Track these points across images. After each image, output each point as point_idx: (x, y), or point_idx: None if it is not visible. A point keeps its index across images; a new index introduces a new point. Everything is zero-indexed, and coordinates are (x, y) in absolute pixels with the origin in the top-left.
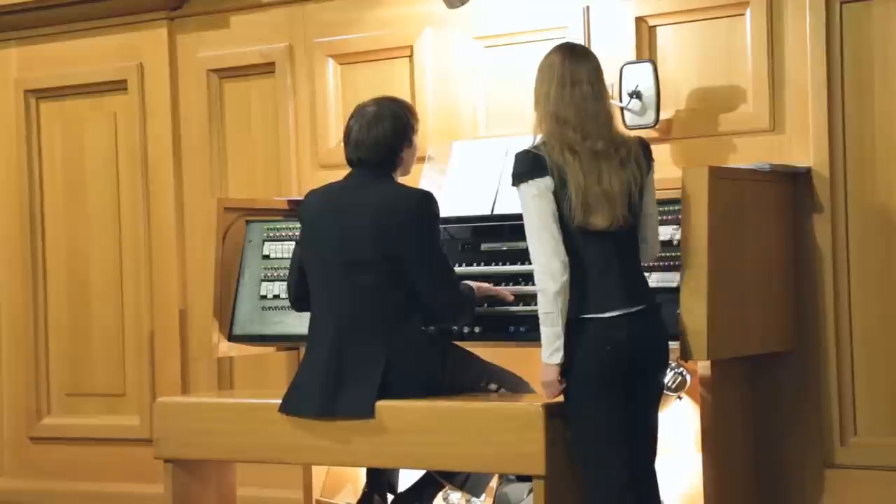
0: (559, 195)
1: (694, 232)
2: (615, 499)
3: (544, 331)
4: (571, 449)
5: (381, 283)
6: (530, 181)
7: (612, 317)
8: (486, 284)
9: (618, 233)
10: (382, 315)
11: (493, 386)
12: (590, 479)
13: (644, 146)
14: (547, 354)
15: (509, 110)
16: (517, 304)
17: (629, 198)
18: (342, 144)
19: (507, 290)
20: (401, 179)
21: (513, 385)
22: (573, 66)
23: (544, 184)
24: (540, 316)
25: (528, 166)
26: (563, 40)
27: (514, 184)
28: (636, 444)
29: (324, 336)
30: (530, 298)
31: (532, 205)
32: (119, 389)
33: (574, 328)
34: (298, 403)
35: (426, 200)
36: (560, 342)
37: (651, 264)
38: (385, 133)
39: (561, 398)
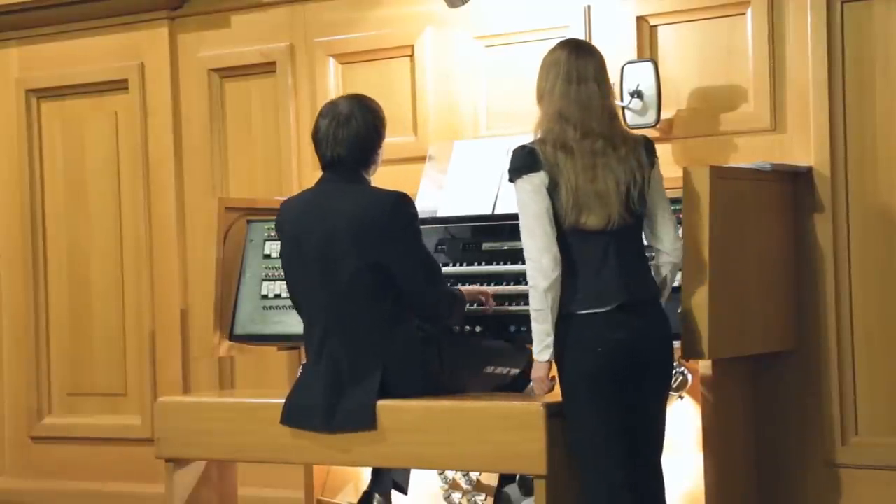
0: (552, 192)
1: (695, 231)
2: (610, 499)
3: (535, 328)
4: (570, 447)
5: (369, 291)
6: (525, 176)
7: (606, 312)
8: (473, 287)
9: (615, 231)
10: (374, 322)
11: (499, 370)
12: (585, 478)
13: (647, 144)
14: (536, 351)
15: (510, 110)
16: (518, 304)
17: (627, 196)
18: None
19: (491, 291)
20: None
21: (511, 360)
22: (579, 62)
23: (539, 179)
24: (531, 312)
25: (522, 162)
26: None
27: (510, 179)
28: (641, 441)
29: (319, 348)
30: None
31: (526, 200)
32: (120, 389)
33: (566, 325)
34: (299, 418)
35: (401, 203)
36: (550, 339)
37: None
38: (367, 131)
39: (559, 396)
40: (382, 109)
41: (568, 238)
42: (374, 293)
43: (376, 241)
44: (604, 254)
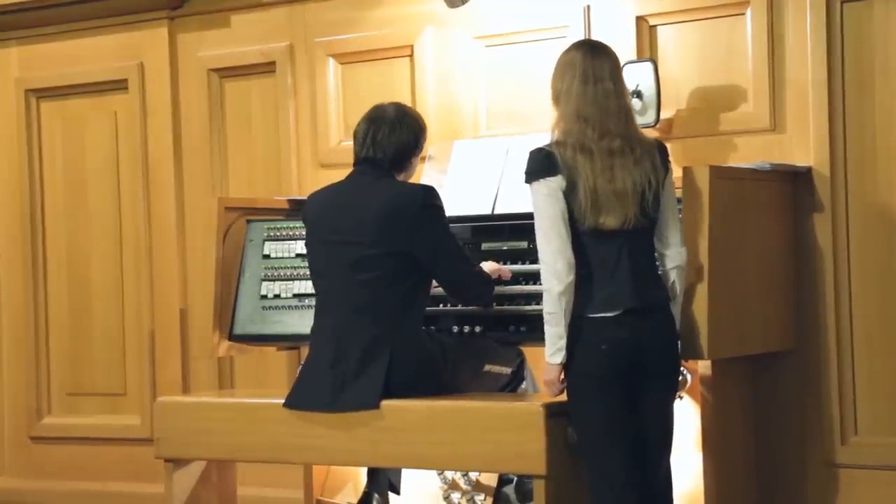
0: (569, 195)
1: (695, 231)
2: (613, 498)
3: (547, 330)
4: (577, 447)
5: (386, 280)
6: (541, 180)
7: (616, 315)
8: (493, 264)
9: (630, 232)
10: (386, 310)
11: (495, 368)
12: (590, 477)
13: (661, 148)
14: (549, 354)
15: (510, 110)
16: (518, 304)
17: (642, 197)
18: (351, 144)
19: (506, 269)
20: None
21: (504, 359)
22: (595, 62)
23: (555, 183)
24: (544, 315)
25: (539, 165)
26: (564, 40)
27: (526, 181)
28: (647, 442)
29: (329, 332)
30: (531, 298)
31: (541, 204)
32: (120, 389)
33: (577, 328)
34: (304, 398)
35: (429, 194)
36: (562, 342)
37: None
38: (407, 140)
39: (563, 396)
40: (425, 123)
41: (583, 239)
42: (390, 280)
43: (403, 232)
44: (618, 257)
